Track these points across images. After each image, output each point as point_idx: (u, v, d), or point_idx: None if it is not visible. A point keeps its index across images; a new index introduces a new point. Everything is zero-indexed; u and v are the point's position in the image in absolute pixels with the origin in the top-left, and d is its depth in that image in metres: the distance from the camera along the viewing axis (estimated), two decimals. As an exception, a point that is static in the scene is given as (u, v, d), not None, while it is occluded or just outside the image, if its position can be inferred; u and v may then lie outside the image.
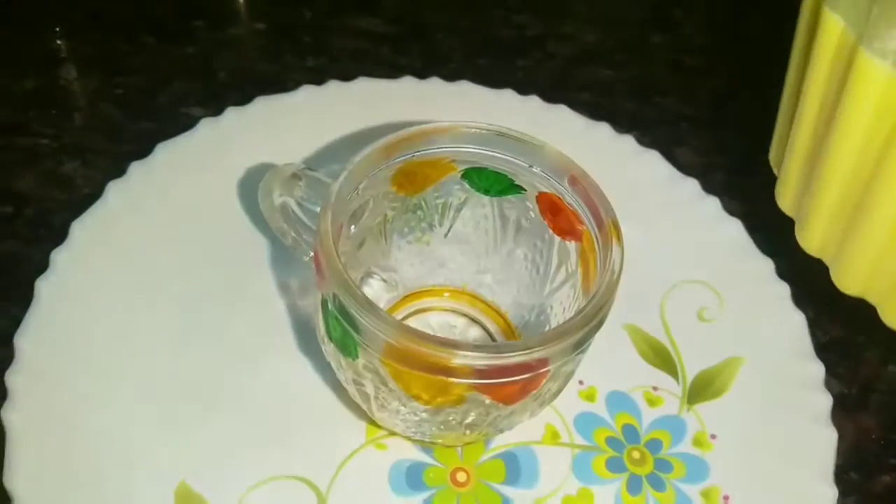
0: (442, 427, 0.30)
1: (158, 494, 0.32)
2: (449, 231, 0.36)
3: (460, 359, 0.25)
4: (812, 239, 0.36)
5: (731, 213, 0.42)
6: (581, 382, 0.37)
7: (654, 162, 0.44)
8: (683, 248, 0.42)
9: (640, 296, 0.40)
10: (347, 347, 0.28)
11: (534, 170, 0.33)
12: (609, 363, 0.38)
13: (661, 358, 0.39)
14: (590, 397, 0.37)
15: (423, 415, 0.29)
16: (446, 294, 0.37)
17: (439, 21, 0.53)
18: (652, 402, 0.37)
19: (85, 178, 0.43)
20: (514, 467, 0.35)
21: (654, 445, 0.36)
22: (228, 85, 0.48)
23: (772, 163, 0.41)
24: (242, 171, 0.41)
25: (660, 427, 0.37)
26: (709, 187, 0.43)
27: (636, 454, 0.36)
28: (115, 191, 0.39)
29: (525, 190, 0.34)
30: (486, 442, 0.35)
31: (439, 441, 0.32)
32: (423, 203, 0.35)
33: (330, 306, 0.28)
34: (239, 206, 0.40)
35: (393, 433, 0.34)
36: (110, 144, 0.45)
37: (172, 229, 0.39)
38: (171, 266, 0.38)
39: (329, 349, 0.30)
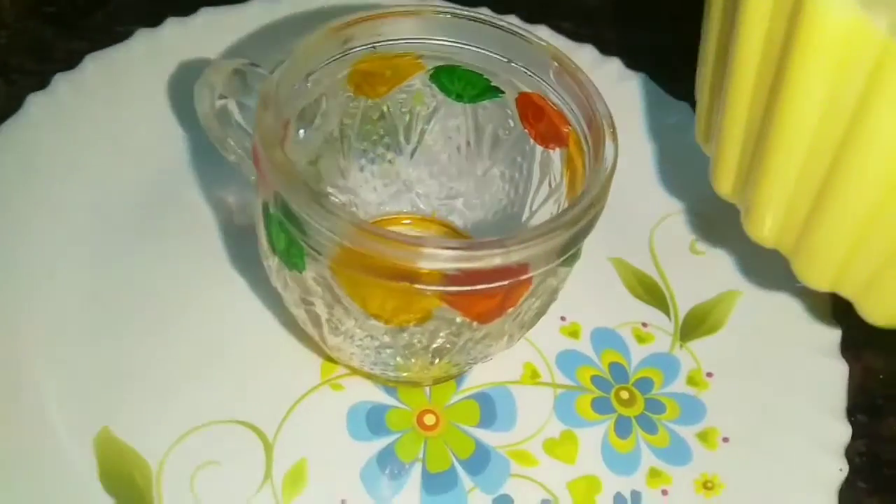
0: (406, 354, 0.26)
1: (76, 443, 0.27)
2: (416, 150, 0.32)
3: (427, 260, 0.21)
4: (763, 229, 0.29)
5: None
6: (563, 318, 0.34)
7: (641, 86, 0.40)
8: (674, 178, 0.38)
9: (628, 228, 0.36)
10: (293, 258, 0.24)
11: (514, 65, 0.28)
12: (594, 298, 0.34)
13: (651, 293, 0.35)
14: (573, 334, 0.33)
15: (384, 338, 0.25)
16: (408, 222, 0.33)
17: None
18: (641, 340, 0.34)
19: (7, 97, 0.38)
20: (489, 409, 0.31)
21: (645, 385, 0.32)
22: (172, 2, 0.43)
23: (698, 140, 0.33)
24: (178, 82, 0.36)
25: (650, 365, 0.33)
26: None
27: (624, 394, 0.32)
28: (36, 103, 0.34)
29: (503, 92, 0.29)
30: (457, 381, 0.31)
31: (404, 376, 0.28)
32: (385, 111, 0.31)
33: (272, 209, 0.24)
34: (173, 120, 0.36)
35: (351, 370, 0.30)
36: (37, 64, 0.40)
37: (98, 144, 0.34)
38: (95, 183, 0.33)
39: (273, 265, 0.26)
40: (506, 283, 0.23)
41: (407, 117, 0.31)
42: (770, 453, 0.30)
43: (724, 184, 0.31)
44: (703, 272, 0.36)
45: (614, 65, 0.40)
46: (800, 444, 0.30)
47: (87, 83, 0.35)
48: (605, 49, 0.41)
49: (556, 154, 0.29)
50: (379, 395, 0.30)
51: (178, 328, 0.31)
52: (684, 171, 0.38)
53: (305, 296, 0.25)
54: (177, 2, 0.43)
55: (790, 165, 0.26)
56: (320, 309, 0.25)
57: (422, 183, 0.33)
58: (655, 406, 0.32)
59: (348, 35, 0.27)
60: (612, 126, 0.25)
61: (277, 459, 0.28)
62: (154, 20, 0.39)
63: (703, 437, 0.31)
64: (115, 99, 0.35)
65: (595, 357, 0.33)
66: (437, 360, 0.26)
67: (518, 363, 0.32)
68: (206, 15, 0.38)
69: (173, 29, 0.37)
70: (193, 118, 0.34)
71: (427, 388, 0.31)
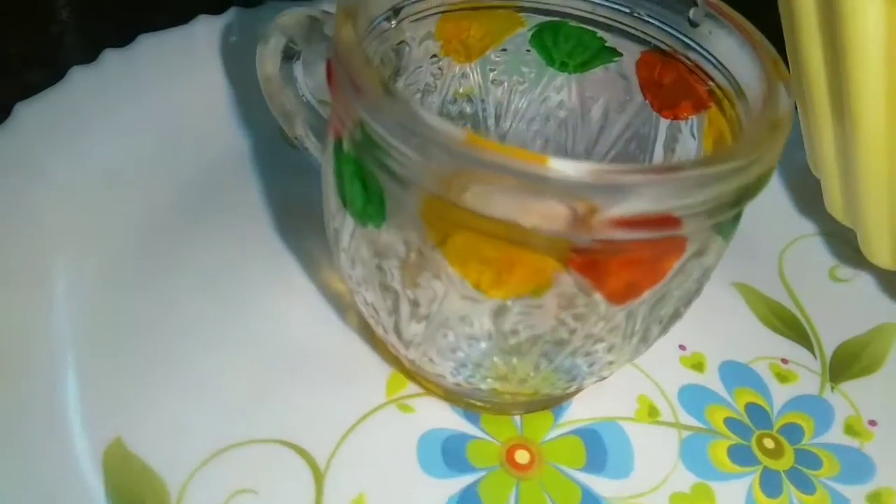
0: (506, 349, 0.19)
1: (84, 452, 0.22)
2: (508, 133, 0.27)
3: (557, 186, 0.15)
4: (882, 253, 0.27)
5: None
6: (682, 347, 0.27)
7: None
8: (806, 197, 0.32)
9: (752, 250, 0.30)
10: (370, 207, 0.18)
11: (637, 15, 0.23)
12: (719, 327, 0.28)
13: (789, 325, 0.29)
14: (696, 366, 0.27)
15: (482, 320, 0.19)
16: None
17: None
18: (783, 378, 0.27)
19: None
20: (598, 449, 0.24)
21: (792, 432, 0.25)
22: None
23: (811, 168, 0.30)
24: (234, 70, 0.32)
25: (797, 409, 0.26)
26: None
27: (769, 443, 0.25)
28: (82, 76, 0.30)
29: (621, 54, 0.24)
30: (553, 412, 0.25)
31: (494, 391, 0.22)
32: (472, 79, 0.26)
33: (346, 147, 0.19)
34: (225, 109, 0.31)
35: (426, 387, 0.24)
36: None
37: (142, 126, 0.30)
38: (139, 171, 0.29)
39: (340, 226, 0.20)
40: (654, 235, 0.17)
41: (499, 91, 0.26)
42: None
43: (837, 209, 0.29)
44: (849, 302, 0.30)
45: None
46: None
47: (138, 60, 0.31)
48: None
49: (689, 124, 0.24)
50: (458, 422, 0.24)
51: (218, 329, 0.25)
52: (817, 190, 0.32)
53: (381, 261, 0.19)
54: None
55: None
56: (399, 281, 0.19)
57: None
58: (809, 459, 0.25)
59: (441, -28, 0.23)
60: (785, 70, 0.20)
61: (329, 493, 0.22)
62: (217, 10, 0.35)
63: (874, 498, 0.24)
64: (166, 81, 0.31)
65: (727, 395, 0.26)
66: (543, 365, 0.20)
67: (631, 396, 0.26)
68: (272, 5, 0.35)
69: (235, 16, 0.34)
70: (248, 108, 0.30)
71: (517, 418, 0.24)
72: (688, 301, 0.20)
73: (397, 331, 0.21)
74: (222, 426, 0.23)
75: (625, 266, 0.18)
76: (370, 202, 0.18)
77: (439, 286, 0.18)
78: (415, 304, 0.19)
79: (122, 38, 0.32)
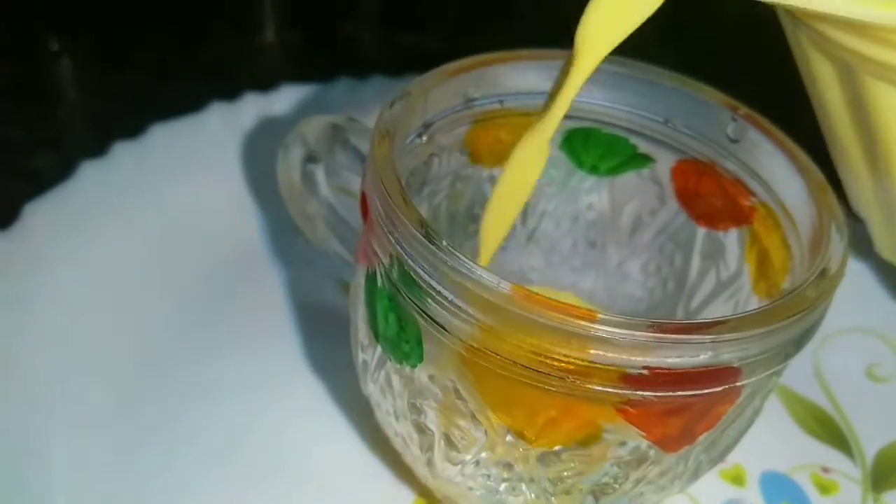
0: (548, 491, 0.18)
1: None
2: (533, 234, 0.26)
3: (608, 345, 0.15)
4: None
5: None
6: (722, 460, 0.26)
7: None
8: (840, 288, 0.31)
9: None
10: (405, 347, 0.17)
11: (671, 126, 0.23)
12: (757, 434, 0.26)
13: (827, 429, 0.28)
14: (736, 479, 0.26)
15: (525, 466, 0.18)
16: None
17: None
18: (824, 489, 0.26)
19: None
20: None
21: (839, 552, 0.24)
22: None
23: (853, 208, 0.29)
24: (251, 158, 0.32)
25: (841, 524, 0.25)
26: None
27: (815, 564, 0.24)
28: (92, 171, 0.29)
29: (654, 161, 0.24)
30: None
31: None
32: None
33: (381, 281, 0.18)
34: (242, 199, 0.30)
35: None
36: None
37: (155, 220, 0.29)
38: (145, 275, 0.28)
39: (371, 360, 0.19)
40: (712, 390, 0.16)
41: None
42: None
43: (884, 248, 0.28)
44: (889, 403, 0.28)
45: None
46: None
47: (150, 154, 0.30)
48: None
49: (729, 236, 0.23)
50: (491, 552, 0.23)
51: (224, 446, 0.24)
52: (851, 283, 0.31)
53: (416, 401, 0.18)
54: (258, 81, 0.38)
55: None
56: (435, 422, 0.18)
57: (535, 273, 0.27)
58: (856, 581, 0.24)
59: (468, 83, 0.22)
60: (834, 199, 0.19)
61: None
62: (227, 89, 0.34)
63: None
64: (180, 172, 0.30)
65: (769, 510, 0.25)
66: (588, 504, 0.19)
67: (670, 516, 0.24)
68: (287, 91, 0.34)
69: (250, 103, 0.33)
70: (264, 199, 0.29)
71: (554, 545, 0.23)
72: (740, 437, 0.19)
73: (429, 465, 0.20)
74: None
75: (679, 415, 0.17)
76: (406, 341, 0.17)
77: (480, 433, 0.17)
78: (452, 445, 0.18)
79: (131, 121, 0.31)
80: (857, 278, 0.32)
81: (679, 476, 0.18)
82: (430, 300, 0.16)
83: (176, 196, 0.29)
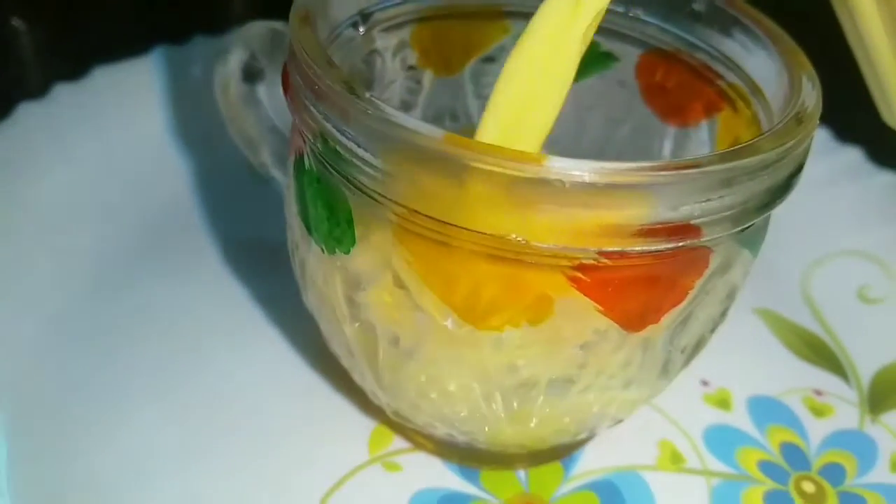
0: (505, 394, 0.16)
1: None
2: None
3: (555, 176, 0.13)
4: None
5: (879, 160, 0.30)
6: (706, 383, 0.24)
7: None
8: (825, 212, 0.29)
9: (772, 273, 0.28)
10: (337, 231, 0.16)
11: (634, 16, 0.21)
12: (742, 358, 0.25)
13: (819, 352, 0.26)
14: (722, 403, 0.24)
15: (475, 358, 0.16)
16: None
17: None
18: (817, 412, 0.24)
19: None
20: (616, 504, 0.21)
21: (834, 473, 0.23)
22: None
23: (885, 118, 0.28)
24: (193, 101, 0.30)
25: (836, 446, 0.23)
26: (845, 135, 0.31)
27: (808, 486, 0.22)
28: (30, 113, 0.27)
29: (617, 59, 0.22)
30: (563, 463, 0.21)
31: (493, 441, 0.19)
32: (458, 97, 0.23)
33: (308, 162, 0.16)
34: (179, 142, 0.29)
35: (414, 441, 0.21)
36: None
37: (93, 162, 0.27)
38: (87, 217, 0.26)
39: (307, 257, 0.17)
40: (671, 246, 0.14)
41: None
42: None
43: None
44: (883, 325, 0.27)
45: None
46: None
47: (90, 95, 0.28)
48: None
49: (699, 130, 0.21)
50: (453, 480, 0.21)
51: (172, 384, 0.22)
52: (839, 204, 0.30)
53: (353, 293, 0.16)
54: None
55: None
56: (374, 315, 0.16)
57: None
58: (853, 502, 0.22)
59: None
60: (807, 60, 0.17)
61: (305, 570, 0.19)
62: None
63: (934, 547, 0.21)
64: (121, 115, 0.28)
65: (758, 435, 0.23)
66: (549, 408, 0.17)
67: (650, 441, 0.23)
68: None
69: (197, 45, 0.31)
70: (209, 141, 0.27)
71: (522, 472, 0.21)
72: (713, 326, 0.18)
73: (377, 375, 0.18)
74: (178, 496, 0.20)
75: (639, 285, 0.15)
76: (337, 224, 0.16)
77: (421, 318, 0.15)
78: (394, 341, 0.16)
79: (78, 74, 0.30)
80: (843, 201, 0.30)
81: (646, 367, 0.17)
82: (356, 165, 0.14)
83: (117, 136, 0.28)
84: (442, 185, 0.13)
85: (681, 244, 0.14)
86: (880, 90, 0.25)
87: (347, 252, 0.16)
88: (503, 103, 0.16)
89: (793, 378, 0.25)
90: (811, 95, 0.16)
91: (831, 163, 0.31)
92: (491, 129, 0.16)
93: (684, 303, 0.15)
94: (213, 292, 0.25)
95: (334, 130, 0.15)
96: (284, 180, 0.24)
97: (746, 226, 0.15)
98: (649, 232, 0.14)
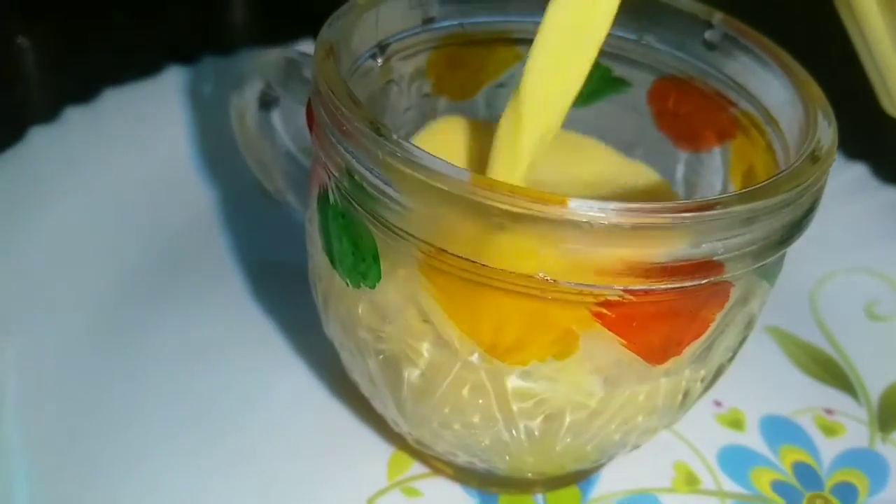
0: (528, 426, 0.17)
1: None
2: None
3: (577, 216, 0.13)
4: None
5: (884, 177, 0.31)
6: (718, 404, 0.25)
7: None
8: (831, 229, 0.30)
9: (781, 290, 0.28)
10: (362, 266, 0.16)
11: (646, 42, 0.21)
12: (753, 377, 0.25)
13: (829, 370, 0.26)
14: (735, 424, 0.24)
15: (500, 393, 0.16)
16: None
17: None
18: (829, 431, 0.24)
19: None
20: (633, 527, 0.21)
21: (846, 492, 0.23)
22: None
23: (886, 107, 0.28)
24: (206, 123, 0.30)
25: (848, 465, 0.24)
26: (851, 151, 0.32)
27: (822, 506, 0.22)
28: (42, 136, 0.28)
29: (630, 84, 0.22)
30: (580, 486, 0.22)
31: (512, 468, 0.19)
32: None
33: (333, 197, 0.16)
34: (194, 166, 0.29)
35: (433, 466, 0.21)
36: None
37: (104, 188, 0.27)
38: (100, 242, 0.26)
39: (330, 289, 0.18)
40: (694, 283, 0.14)
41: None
42: None
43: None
44: (891, 342, 0.27)
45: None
46: None
47: (101, 117, 0.29)
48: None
49: (712, 157, 0.21)
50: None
51: (191, 411, 0.22)
52: (845, 220, 0.30)
53: (379, 327, 0.16)
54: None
55: None
56: (399, 349, 0.16)
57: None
58: (868, 523, 0.22)
59: (429, 4, 0.21)
60: (819, 91, 0.18)
61: None
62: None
63: (947, 566, 0.21)
64: (133, 137, 0.29)
65: (771, 455, 0.23)
66: (571, 438, 0.17)
67: (666, 463, 0.23)
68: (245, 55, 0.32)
69: (208, 65, 0.31)
70: (223, 162, 0.27)
71: (540, 496, 0.21)
72: (732, 355, 0.18)
73: (399, 406, 0.18)
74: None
75: (662, 319, 0.15)
76: (362, 259, 0.16)
77: (447, 353, 0.16)
78: (419, 374, 0.17)
79: (89, 96, 0.30)
80: (851, 218, 0.30)
81: (668, 398, 0.17)
82: (382, 203, 0.15)
83: (130, 159, 0.28)
84: (469, 226, 0.14)
85: (704, 281, 0.14)
86: (880, 77, 0.25)
87: (373, 287, 0.16)
88: (542, 57, 0.17)
89: (804, 397, 0.25)
90: (827, 133, 0.16)
91: (837, 179, 0.31)
92: (529, 91, 0.17)
93: (706, 335, 0.16)
94: (231, 317, 0.25)
95: (361, 168, 0.15)
96: (299, 205, 0.24)
97: (766, 261, 0.15)
98: (673, 270, 0.14)
